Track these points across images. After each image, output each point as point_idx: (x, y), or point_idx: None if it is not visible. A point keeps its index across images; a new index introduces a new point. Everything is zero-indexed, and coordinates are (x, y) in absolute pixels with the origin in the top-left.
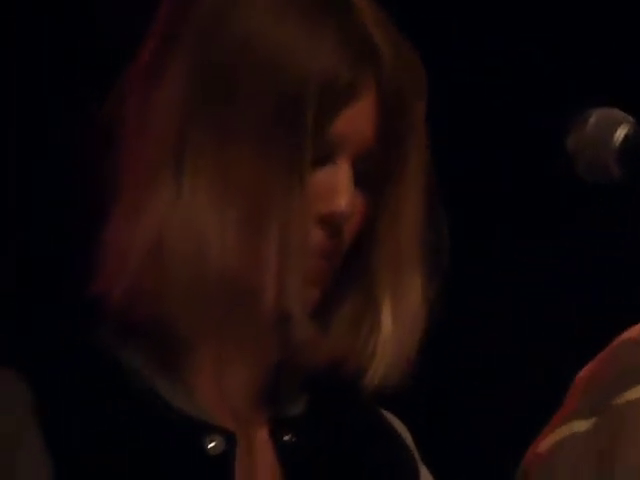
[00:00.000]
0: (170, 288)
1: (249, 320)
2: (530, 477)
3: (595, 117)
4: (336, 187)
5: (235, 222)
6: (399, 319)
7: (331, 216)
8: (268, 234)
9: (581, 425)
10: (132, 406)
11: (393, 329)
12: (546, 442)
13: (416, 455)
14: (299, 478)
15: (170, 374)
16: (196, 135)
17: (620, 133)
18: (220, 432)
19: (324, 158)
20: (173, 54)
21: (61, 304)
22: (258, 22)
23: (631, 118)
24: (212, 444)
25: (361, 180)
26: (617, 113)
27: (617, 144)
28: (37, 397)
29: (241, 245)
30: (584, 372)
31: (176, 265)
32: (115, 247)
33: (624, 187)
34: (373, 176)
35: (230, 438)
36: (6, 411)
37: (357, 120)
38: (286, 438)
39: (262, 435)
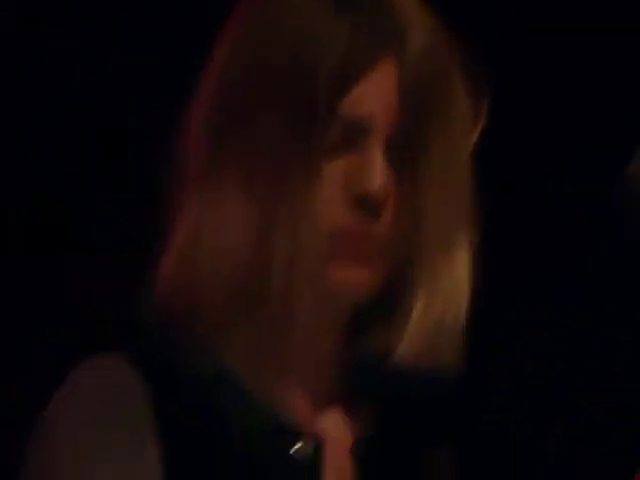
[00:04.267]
0: (201, 281)
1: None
2: None
3: None
4: (367, 168)
5: (256, 215)
6: (431, 300)
7: (366, 197)
8: (280, 224)
9: None
10: (230, 406)
11: (423, 311)
12: None
13: None
14: None
15: (260, 374)
16: (225, 142)
17: None
18: (310, 439)
19: (353, 141)
20: (209, 69)
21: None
22: (279, 18)
23: None
24: (302, 450)
25: (394, 161)
26: None
27: None
28: (151, 388)
29: (259, 237)
30: None
31: (205, 260)
32: (165, 260)
33: None
34: (403, 157)
35: (318, 444)
36: (127, 398)
37: (376, 100)
38: (364, 457)
39: (343, 449)
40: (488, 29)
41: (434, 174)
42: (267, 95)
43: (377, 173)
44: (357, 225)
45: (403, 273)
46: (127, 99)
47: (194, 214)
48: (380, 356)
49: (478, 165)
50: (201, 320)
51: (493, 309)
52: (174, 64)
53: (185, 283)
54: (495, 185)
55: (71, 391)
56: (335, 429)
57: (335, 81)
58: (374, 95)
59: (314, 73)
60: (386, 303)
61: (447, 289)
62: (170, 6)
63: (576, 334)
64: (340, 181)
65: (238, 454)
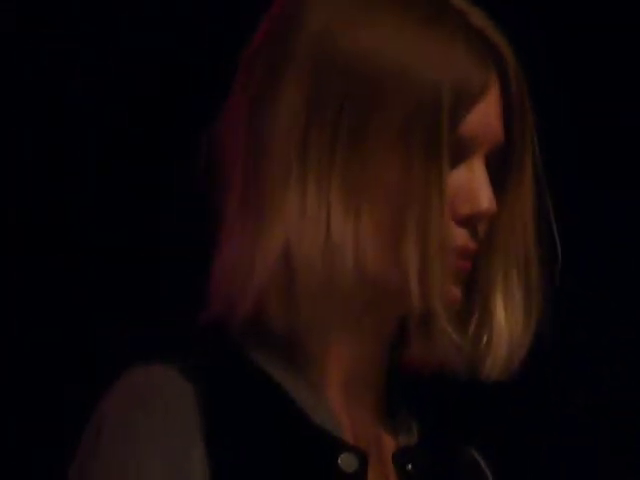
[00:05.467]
0: (301, 299)
1: (381, 323)
2: None
3: None
4: (475, 187)
5: (371, 227)
6: (511, 316)
7: (473, 217)
8: (408, 237)
9: None
10: (276, 416)
11: (505, 326)
12: None
13: None
14: None
15: (306, 385)
16: (322, 141)
17: None
18: (354, 451)
19: (459, 158)
20: (288, 69)
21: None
22: (381, 32)
23: None
24: (346, 462)
25: (490, 179)
26: None
27: None
28: (200, 398)
29: (378, 250)
30: None
31: (307, 275)
32: (240, 262)
33: None
34: (498, 176)
35: (363, 458)
36: (175, 409)
37: (488, 119)
38: (408, 467)
39: (386, 459)
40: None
41: (527, 191)
42: (380, 113)
43: (485, 193)
44: (460, 242)
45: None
46: (128, 99)
47: (282, 220)
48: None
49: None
50: (294, 325)
51: None
52: (174, 64)
53: (283, 286)
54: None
55: (118, 397)
56: (381, 442)
57: (457, 103)
58: (482, 114)
59: (437, 95)
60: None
61: (525, 304)
62: (171, 6)
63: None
64: (449, 197)
65: (282, 463)
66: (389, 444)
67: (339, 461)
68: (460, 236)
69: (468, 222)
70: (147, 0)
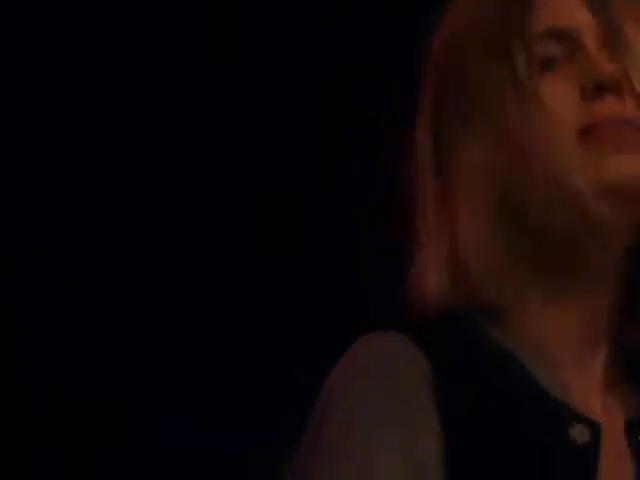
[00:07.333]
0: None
1: (599, 286)
2: None
3: None
4: (590, 59)
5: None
6: None
7: (599, 82)
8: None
9: None
10: (508, 385)
11: None
12: None
13: None
14: None
15: (535, 354)
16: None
17: None
18: (586, 422)
19: (572, 50)
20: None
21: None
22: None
23: None
24: (578, 433)
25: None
26: None
27: None
28: (432, 367)
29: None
30: None
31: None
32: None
33: None
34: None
35: (595, 428)
36: (408, 372)
37: (582, 14)
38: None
39: (615, 430)
40: None
41: None
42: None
43: (599, 59)
44: (608, 111)
45: None
46: (129, 98)
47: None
48: None
49: None
50: (493, 297)
51: None
52: (173, 64)
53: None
54: None
55: (354, 362)
56: (610, 412)
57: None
58: (574, 6)
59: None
60: None
61: None
62: (171, 6)
63: None
64: (576, 84)
65: (515, 434)
66: (617, 415)
67: (571, 432)
68: (602, 106)
69: (601, 89)
70: (147, 0)
